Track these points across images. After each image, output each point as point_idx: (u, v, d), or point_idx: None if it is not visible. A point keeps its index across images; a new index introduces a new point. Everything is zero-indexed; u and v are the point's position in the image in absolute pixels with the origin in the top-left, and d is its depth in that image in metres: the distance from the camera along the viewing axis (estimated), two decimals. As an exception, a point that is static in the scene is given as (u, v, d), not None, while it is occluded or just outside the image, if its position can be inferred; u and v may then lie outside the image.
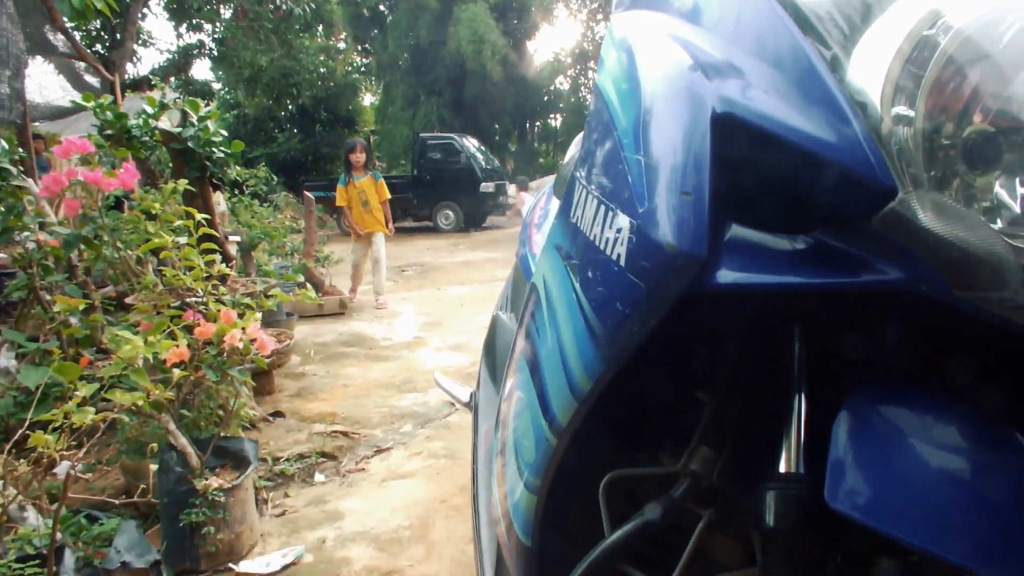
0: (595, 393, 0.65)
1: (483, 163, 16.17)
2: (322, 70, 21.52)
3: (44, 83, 7.61)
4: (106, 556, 1.85)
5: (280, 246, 5.93)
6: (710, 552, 0.71)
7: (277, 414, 3.67)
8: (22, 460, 1.91)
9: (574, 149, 1.88)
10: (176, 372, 2.00)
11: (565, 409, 0.69)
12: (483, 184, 15.35)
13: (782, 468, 0.61)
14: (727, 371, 0.68)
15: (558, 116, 26.15)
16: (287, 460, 3.06)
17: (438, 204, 15.75)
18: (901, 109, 0.46)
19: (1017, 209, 0.43)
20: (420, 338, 5.43)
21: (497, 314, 1.88)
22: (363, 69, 25.17)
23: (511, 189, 16.30)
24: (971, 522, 0.48)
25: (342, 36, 23.12)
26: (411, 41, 21.44)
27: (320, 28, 19.99)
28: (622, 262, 0.59)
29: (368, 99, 26.70)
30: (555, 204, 1.82)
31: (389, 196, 7.02)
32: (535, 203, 2.04)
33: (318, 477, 2.95)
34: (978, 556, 0.46)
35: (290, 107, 22.16)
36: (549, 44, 49.23)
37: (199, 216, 2.40)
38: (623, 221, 0.59)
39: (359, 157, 6.88)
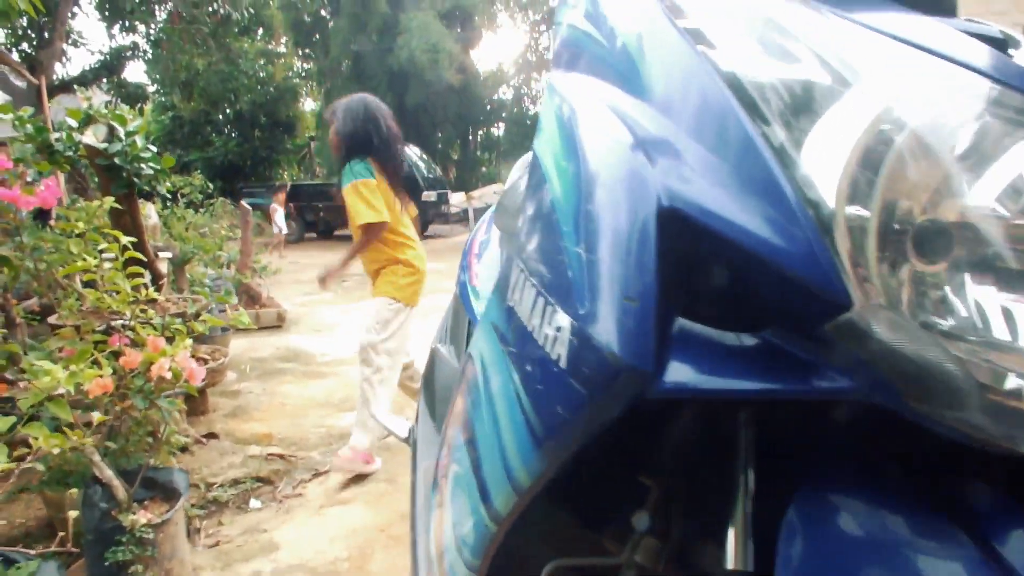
0: (535, 489, 0.62)
1: (425, 172, 16.11)
2: (261, 74, 21.14)
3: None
4: (22, 602, 1.75)
5: (215, 258, 5.77)
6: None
7: (211, 435, 3.56)
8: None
9: (516, 173, 1.85)
10: (96, 416, 1.91)
11: (505, 500, 0.67)
12: (425, 193, 15.26)
13: (729, 564, 0.59)
14: (672, 456, 0.67)
15: (501, 125, 26.22)
16: (221, 486, 2.96)
17: (380, 212, 15.56)
18: (855, 209, 0.44)
19: (963, 311, 0.43)
20: (360, 353, 5.34)
21: (436, 347, 1.85)
22: (303, 74, 24.80)
23: (454, 198, 16.30)
24: None
25: (282, 41, 22.75)
26: (354, 47, 21.19)
27: (259, 32, 19.65)
28: (563, 364, 0.56)
29: (309, 104, 26.32)
30: (495, 234, 1.80)
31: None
32: (474, 233, 2.01)
33: (253, 503, 2.86)
34: None
35: (228, 111, 21.70)
36: (492, 54, 49.37)
37: (125, 240, 2.31)
38: (563, 320, 0.56)
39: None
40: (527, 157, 1.92)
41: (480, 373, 0.74)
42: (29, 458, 1.68)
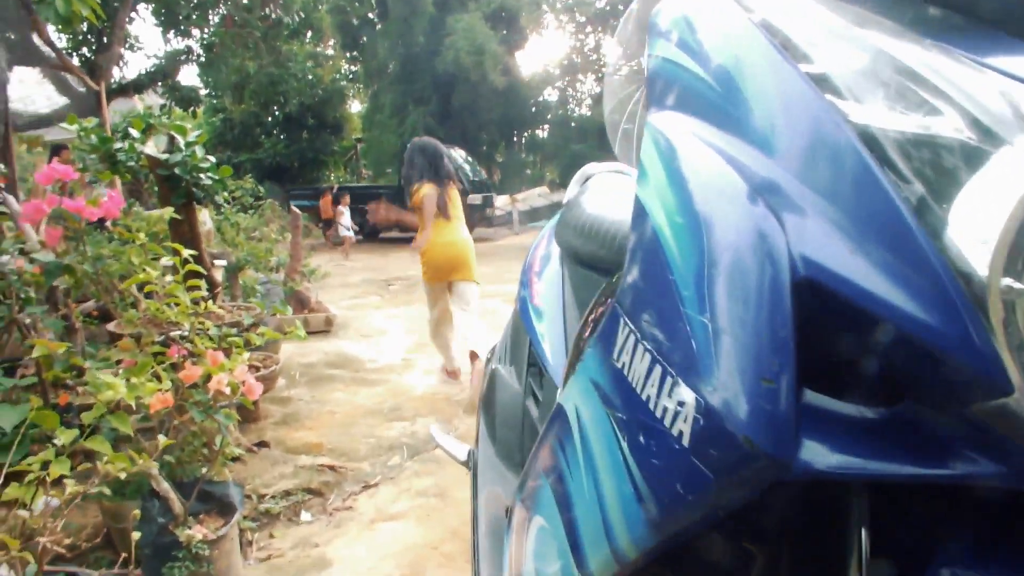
0: (640, 562, 0.58)
1: (471, 174, 16.13)
2: (310, 77, 21.44)
3: (28, 93, 7.43)
4: (82, 618, 1.76)
5: (265, 263, 5.83)
6: None
7: (262, 444, 3.57)
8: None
9: (574, 188, 1.80)
10: (161, 439, 1.92)
11: (603, 566, 0.62)
12: (470, 196, 15.27)
13: None
14: (777, 521, 0.61)
15: (546, 127, 26.12)
16: (272, 497, 2.96)
17: (425, 215, 15.68)
18: (1009, 282, 0.39)
19: None
20: (408, 360, 5.34)
21: (496, 368, 1.80)
22: (351, 76, 25.07)
23: (499, 200, 16.31)
24: None
25: (330, 43, 23.04)
26: (401, 49, 21.34)
27: (308, 35, 19.92)
28: (685, 442, 0.51)
29: (356, 106, 26.63)
30: (555, 250, 1.75)
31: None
32: (535, 246, 1.96)
33: (304, 516, 2.86)
34: None
35: (277, 113, 22.07)
36: (537, 55, 49.46)
37: (186, 253, 2.31)
38: (686, 394, 0.51)
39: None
40: (587, 169, 1.87)
41: (576, 430, 0.70)
42: (96, 480, 1.69)
